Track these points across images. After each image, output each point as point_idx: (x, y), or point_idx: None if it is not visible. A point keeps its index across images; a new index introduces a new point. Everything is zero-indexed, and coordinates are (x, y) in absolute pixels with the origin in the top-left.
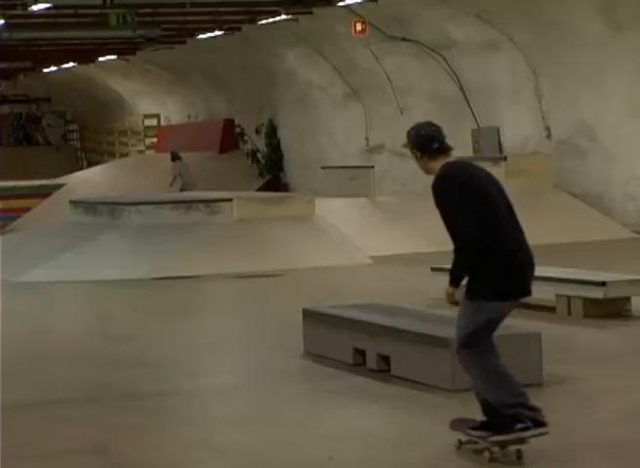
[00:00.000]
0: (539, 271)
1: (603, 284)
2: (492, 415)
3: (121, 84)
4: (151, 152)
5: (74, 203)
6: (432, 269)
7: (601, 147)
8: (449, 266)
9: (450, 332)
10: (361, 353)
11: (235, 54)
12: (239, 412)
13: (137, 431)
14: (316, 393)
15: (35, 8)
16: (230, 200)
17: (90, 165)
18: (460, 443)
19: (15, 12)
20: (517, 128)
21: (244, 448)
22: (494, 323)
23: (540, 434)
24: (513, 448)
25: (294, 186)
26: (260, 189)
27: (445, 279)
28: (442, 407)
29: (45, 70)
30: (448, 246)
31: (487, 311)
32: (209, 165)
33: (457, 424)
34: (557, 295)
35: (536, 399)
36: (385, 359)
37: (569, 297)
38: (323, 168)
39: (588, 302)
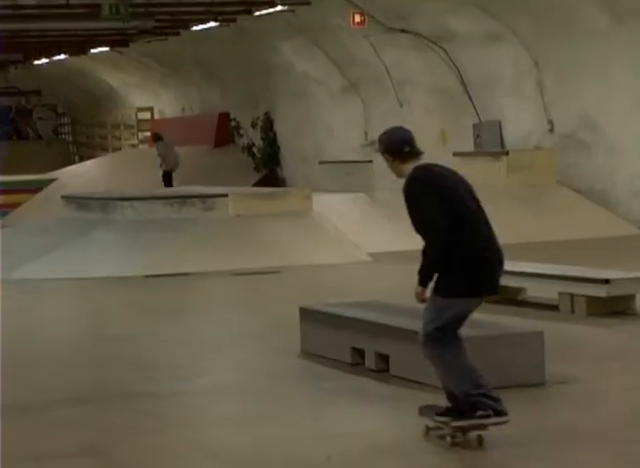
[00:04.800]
0: (542, 269)
1: (607, 281)
2: (456, 402)
3: (114, 76)
4: (145, 146)
5: (66, 198)
6: None
7: (606, 141)
8: None
9: None
10: (360, 352)
11: (230, 46)
12: (235, 414)
13: (131, 433)
14: (314, 394)
15: None
16: (226, 195)
17: (82, 159)
18: (428, 428)
19: (4, 2)
20: (519, 122)
21: (240, 451)
22: (460, 319)
23: (500, 422)
24: (475, 433)
25: (290, 181)
26: (256, 184)
27: None
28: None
29: (36, 62)
30: None
31: (454, 307)
32: (203, 159)
33: (424, 410)
34: (560, 293)
35: (538, 399)
36: (384, 358)
37: (572, 295)
38: (320, 162)
39: (592, 300)
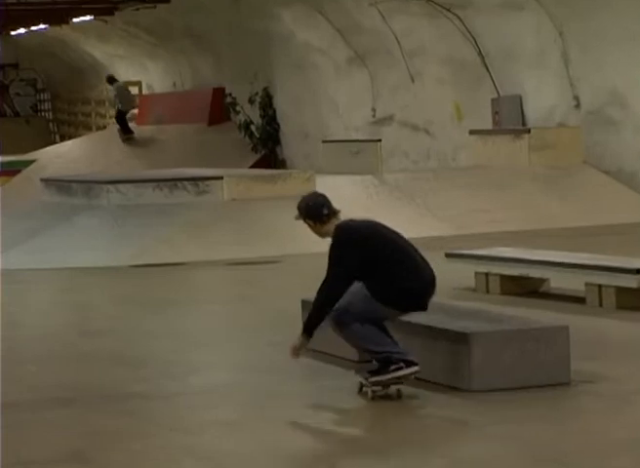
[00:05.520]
0: (567, 258)
1: (638, 271)
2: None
3: (98, 48)
4: (132, 124)
5: (46, 181)
6: (447, 255)
7: (636, 118)
8: (466, 252)
9: (468, 326)
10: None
11: (225, 14)
12: (232, 415)
13: (118, 437)
14: (317, 393)
15: None
16: (221, 178)
17: (63, 139)
18: (361, 385)
19: None
20: (542, 97)
21: (236, 456)
22: (380, 320)
23: (413, 373)
24: (394, 388)
25: (291, 162)
26: (254, 166)
27: (462, 266)
28: (458, 409)
29: (13, 33)
30: (464, 228)
31: (379, 311)
32: (196, 138)
33: (359, 370)
34: (587, 285)
35: (562, 399)
36: None
37: (600, 287)
38: (324, 142)
39: (621, 292)
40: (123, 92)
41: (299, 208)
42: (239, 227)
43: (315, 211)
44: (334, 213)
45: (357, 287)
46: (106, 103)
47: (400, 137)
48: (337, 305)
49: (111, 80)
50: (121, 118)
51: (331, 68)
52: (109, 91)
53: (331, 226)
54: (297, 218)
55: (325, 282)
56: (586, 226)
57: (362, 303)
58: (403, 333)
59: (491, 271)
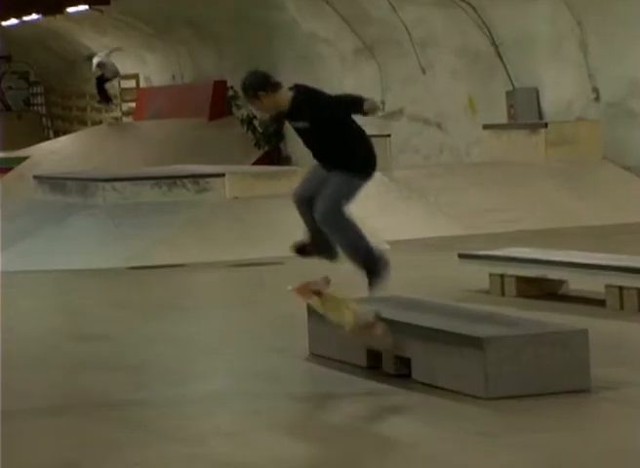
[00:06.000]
0: (586, 258)
1: None
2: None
3: (93, 39)
4: (129, 119)
5: (39, 179)
6: (460, 256)
7: None
8: (480, 252)
9: (483, 331)
10: (376, 354)
11: (227, 2)
12: (234, 425)
13: (114, 447)
14: (324, 402)
15: None
16: (222, 175)
17: (57, 134)
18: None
19: None
20: (559, 89)
21: (238, 467)
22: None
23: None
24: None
25: (297, 159)
26: (258, 162)
27: (476, 267)
28: (474, 419)
29: (4, 24)
30: (477, 228)
31: (357, 187)
32: (197, 134)
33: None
34: (607, 287)
35: (582, 407)
36: (405, 361)
37: (621, 289)
38: None
39: None
40: (108, 60)
41: (245, 86)
42: (241, 227)
43: (265, 79)
44: (278, 81)
45: (321, 174)
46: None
47: (410, 132)
48: (325, 202)
49: (91, 56)
50: (101, 84)
51: (337, 60)
52: (93, 64)
53: (284, 93)
54: (247, 99)
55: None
56: (606, 225)
57: (350, 190)
58: (413, 338)
59: (506, 273)
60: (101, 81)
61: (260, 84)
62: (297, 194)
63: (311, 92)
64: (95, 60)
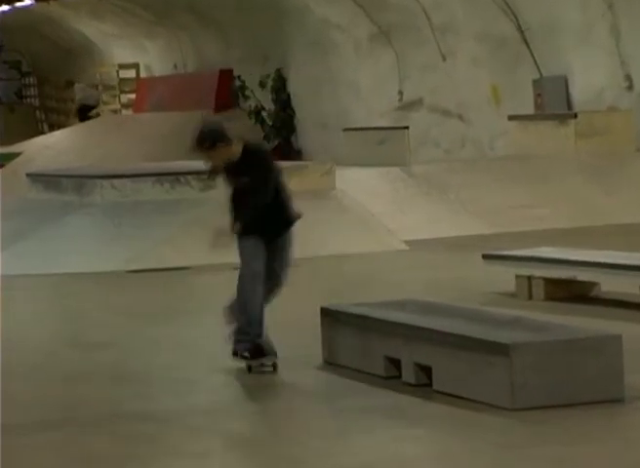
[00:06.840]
0: (619, 258)
1: None
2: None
3: (90, 26)
4: (129, 112)
5: (33, 176)
6: (484, 257)
7: None
8: (505, 253)
9: (509, 336)
10: (395, 363)
11: None
12: (242, 438)
13: (115, 462)
14: (338, 414)
15: None
16: None
17: (52, 128)
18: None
19: None
20: (589, 77)
21: None
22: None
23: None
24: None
25: (308, 153)
26: None
27: (501, 268)
28: (499, 430)
29: None
30: (502, 226)
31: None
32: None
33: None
34: None
35: (615, 418)
36: (426, 370)
37: None
38: (345, 130)
39: None
40: (88, 89)
41: (202, 138)
42: None
43: (222, 132)
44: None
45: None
46: (99, 88)
47: (430, 124)
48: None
49: (71, 83)
50: (84, 112)
51: (351, 47)
52: (76, 92)
53: (237, 146)
54: (201, 149)
55: (259, 198)
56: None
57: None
58: (433, 345)
59: (534, 274)
60: (85, 110)
61: (221, 136)
62: None
63: (265, 160)
64: (77, 87)
